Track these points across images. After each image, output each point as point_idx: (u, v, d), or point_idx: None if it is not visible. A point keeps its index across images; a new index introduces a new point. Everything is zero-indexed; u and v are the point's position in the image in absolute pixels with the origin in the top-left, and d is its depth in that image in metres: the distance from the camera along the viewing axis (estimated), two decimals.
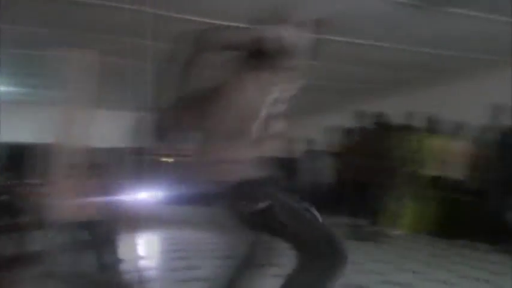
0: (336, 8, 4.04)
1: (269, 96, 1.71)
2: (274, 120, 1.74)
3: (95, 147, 9.15)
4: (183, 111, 1.85)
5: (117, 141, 10.69)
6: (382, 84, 7.46)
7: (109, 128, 10.72)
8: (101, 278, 3.24)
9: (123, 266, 3.40)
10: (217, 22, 4.60)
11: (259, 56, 1.69)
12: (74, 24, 4.81)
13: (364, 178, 5.34)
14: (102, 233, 3.65)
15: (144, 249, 4.33)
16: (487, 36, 4.80)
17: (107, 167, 6.31)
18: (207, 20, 4.53)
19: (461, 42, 5.07)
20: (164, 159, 11.62)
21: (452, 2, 3.97)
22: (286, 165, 6.14)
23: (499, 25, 4.41)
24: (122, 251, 3.47)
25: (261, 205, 1.63)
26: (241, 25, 2.42)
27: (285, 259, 1.75)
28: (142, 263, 3.74)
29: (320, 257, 1.65)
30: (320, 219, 1.75)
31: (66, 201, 4.59)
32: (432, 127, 5.93)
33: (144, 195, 6.29)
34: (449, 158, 5.56)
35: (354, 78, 7.06)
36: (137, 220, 5.88)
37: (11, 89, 8.34)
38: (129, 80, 7.68)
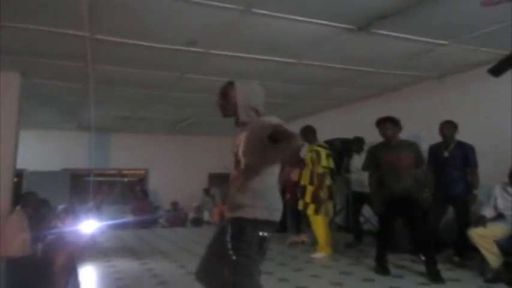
0: (278, 32, 4.33)
1: None
2: None
3: (28, 171, 8.59)
4: None
5: (49, 163, 10.19)
6: (318, 101, 7.76)
7: (41, 150, 10.19)
8: None
9: None
10: (153, 45, 4.55)
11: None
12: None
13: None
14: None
15: (87, 285, 4.01)
16: (411, 55, 5.15)
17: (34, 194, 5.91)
18: (137, 42, 4.43)
19: (392, 60, 5.40)
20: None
21: (381, 27, 4.20)
22: None
23: (423, 45, 4.76)
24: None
25: None
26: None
27: None
28: None
29: None
30: None
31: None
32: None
33: (85, 223, 5.94)
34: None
35: (294, 95, 7.22)
36: (78, 251, 5.54)
37: None
38: (59, 101, 7.39)
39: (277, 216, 2.27)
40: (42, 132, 10.07)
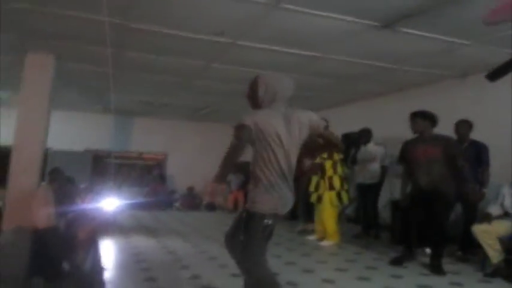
0: (304, 26, 4.47)
1: None
2: None
3: (53, 150, 8.94)
4: None
5: (73, 143, 10.58)
6: (340, 94, 7.87)
7: (66, 130, 10.57)
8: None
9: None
10: (183, 34, 4.75)
11: None
12: (31, 29, 4.79)
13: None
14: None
15: (106, 259, 4.30)
16: (434, 54, 5.23)
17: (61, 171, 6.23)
18: (165, 30, 4.64)
19: (414, 58, 5.47)
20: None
21: (406, 25, 4.29)
22: None
23: (446, 44, 4.84)
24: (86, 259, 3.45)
25: None
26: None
27: None
28: (105, 272, 3.72)
29: None
30: None
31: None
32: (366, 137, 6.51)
33: (105, 201, 6.23)
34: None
35: (317, 88, 7.35)
36: (99, 227, 5.85)
37: None
38: (87, 84, 7.69)
39: (282, 210, 2.52)
40: (67, 113, 10.41)
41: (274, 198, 2.45)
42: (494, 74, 1.12)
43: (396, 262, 4.58)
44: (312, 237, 6.02)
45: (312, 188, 5.86)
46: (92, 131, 10.91)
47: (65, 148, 10.14)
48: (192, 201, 10.95)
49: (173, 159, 12.11)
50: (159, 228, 6.90)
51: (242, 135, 2.43)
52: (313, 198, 5.84)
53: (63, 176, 6.01)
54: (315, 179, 5.78)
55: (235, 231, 2.61)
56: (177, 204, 10.80)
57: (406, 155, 4.73)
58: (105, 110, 10.52)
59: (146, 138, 11.65)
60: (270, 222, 2.46)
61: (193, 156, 11.84)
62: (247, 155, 2.60)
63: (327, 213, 5.78)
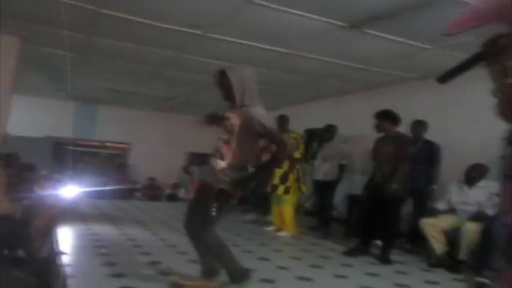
0: (277, 23, 4.62)
1: None
2: None
3: (12, 135, 8.72)
4: None
5: (34, 129, 10.33)
6: (307, 91, 8.07)
7: (27, 116, 10.31)
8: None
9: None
10: (157, 24, 4.78)
11: None
12: None
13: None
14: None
15: (65, 245, 4.31)
16: (398, 56, 5.48)
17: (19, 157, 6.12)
18: (137, 19, 4.66)
19: (379, 59, 5.72)
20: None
21: (373, 27, 4.51)
22: None
23: (409, 47, 5.10)
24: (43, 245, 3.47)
25: None
26: None
27: None
28: (64, 258, 3.74)
29: None
30: None
31: None
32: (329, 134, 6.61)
33: (65, 189, 6.17)
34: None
35: (285, 84, 7.53)
36: (57, 214, 5.80)
37: None
38: (52, 69, 7.56)
39: (247, 191, 2.82)
40: (29, 99, 10.16)
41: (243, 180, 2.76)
42: (445, 77, 1.27)
43: (350, 253, 4.81)
44: (269, 228, 6.19)
45: (276, 180, 5.99)
46: (54, 117, 10.70)
47: (26, 134, 9.90)
48: (154, 191, 10.94)
49: (137, 149, 12.03)
50: (120, 217, 6.90)
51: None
52: (280, 190, 5.96)
53: (19, 162, 5.91)
54: (279, 172, 5.90)
55: (200, 203, 2.89)
56: (138, 194, 10.76)
57: (374, 152, 5.00)
58: (69, 97, 10.33)
59: (111, 127, 11.52)
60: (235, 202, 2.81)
61: (157, 147, 11.81)
62: (205, 147, 2.87)
63: (286, 205, 5.98)
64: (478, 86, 5.05)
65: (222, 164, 2.80)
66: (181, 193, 10.94)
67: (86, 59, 6.57)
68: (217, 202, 2.75)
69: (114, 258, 3.89)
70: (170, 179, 11.42)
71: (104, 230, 5.46)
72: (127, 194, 10.36)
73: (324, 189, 6.48)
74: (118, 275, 3.32)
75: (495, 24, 1.29)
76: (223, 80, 2.83)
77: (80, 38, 5.47)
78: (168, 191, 11.17)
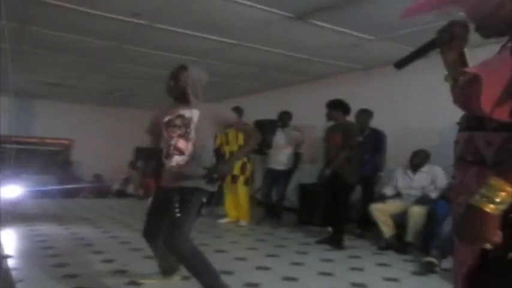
0: (223, 12, 4.53)
1: None
2: None
3: None
4: None
5: None
6: (254, 82, 8.11)
7: None
8: None
9: None
10: (96, 12, 4.58)
11: None
12: None
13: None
14: None
15: (9, 248, 4.08)
16: (342, 47, 5.57)
17: None
18: (77, 7, 4.47)
19: (325, 50, 5.79)
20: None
21: (318, 18, 4.55)
22: None
23: (353, 38, 5.20)
24: None
25: None
26: None
27: None
28: (9, 260, 3.55)
29: None
30: None
31: None
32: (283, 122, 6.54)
33: (3, 189, 5.84)
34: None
35: (232, 76, 7.50)
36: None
37: None
38: None
39: (215, 187, 2.84)
40: None
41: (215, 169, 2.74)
42: (401, 63, 1.32)
43: (322, 242, 4.89)
44: (223, 221, 6.19)
45: (237, 171, 5.95)
46: None
47: None
48: (100, 188, 10.60)
49: (80, 145, 11.54)
50: (66, 216, 6.63)
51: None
52: (241, 181, 6.00)
53: None
54: (239, 163, 5.87)
55: (163, 210, 2.73)
56: (83, 191, 10.37)
57: (325, 140, 5.17)
58: (1, 91, 9.70)
59: (50, 122, 10.97)
60: (205, 200, 2.72)
61: (101, 142, 11.40)
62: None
63: (243, 195, 6.07)
64: (418, 76, 5.39)
65: (185, 158, 2.73)
66: (130, 189, 10.67)
67: (20, 50, 6.17)
68: (184, 202, 2.62)
69: (65, 259, 3.74)
70: (118, 175, 11.08)
71: (50, 230, 5.22)
72: (72, 192, 9.96)
73: (279, 178, 6.39)
74: (71, 276, 3.20)
75: (451, 8, 1.34)
76: (181, 75, 2.76)
77: (13, 27, 5.14)
78: (116, 187, 10.85)
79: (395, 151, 5.63)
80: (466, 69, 1.20)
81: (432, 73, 5.10)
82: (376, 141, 5.57)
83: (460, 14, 1.29)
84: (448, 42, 1.33)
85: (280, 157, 6.30)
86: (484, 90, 1.00)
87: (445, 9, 1.31)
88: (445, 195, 4.59)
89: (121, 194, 10.41)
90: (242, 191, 6.06)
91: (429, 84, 5.58)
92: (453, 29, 1.32)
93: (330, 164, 4.79)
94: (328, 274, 3.58)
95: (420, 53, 1.43)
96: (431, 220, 4.45)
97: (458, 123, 1.32)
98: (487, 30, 1.23)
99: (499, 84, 1.00)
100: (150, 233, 2.89)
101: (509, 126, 1.02)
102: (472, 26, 1.31)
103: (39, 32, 5.37)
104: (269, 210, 6.60)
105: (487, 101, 1.00)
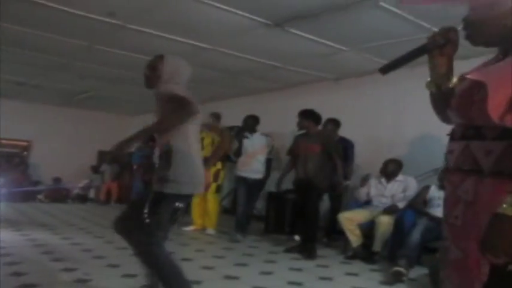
0: (198, 16, 4.49)
1: None
2: None
3: None
4: None
5: None
6: (225, 88, 8.06)
7: None
8: None
9: None
10: (69, 10, 4.42)
11: None
12: None
13: None
14: None
15: None
16: (315, 56, 5.62)
17: None
18: (47, 3, 4.30)
19: (298, 58, 5.83)
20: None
21: (295, 26, 4.57)
22: None
23: (327, 48, 5.24)
24: None
25: None
26: None
27: None
28: None
29: None
30: None
31: None
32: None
33: None
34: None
35: (203, 81, 7.40)
36: None
37: None
38: None
39: (199, 189, 2.49)
40: None
41: (193, 177, 2.41)
42: (387, 68, 1.30)
43: (290, 251, 4.87)
44: (188, 228, 6.06)
45: (210, 178, 5.78)
46: None
47: None
48: (58, 192, 10.20)
49: (39, 147, 11.09)
50: (23, 221, 6.31)
51: (195, 110, 2.38)
52: (213, 188, 5.90)
53: None
54: (212, 169, 5.77)
55: (133, 213, 2.43)
56: (40, 195, 9.95)
57: (293, 148, 5.17)
58: None
59: (7, 122, 10.46)
60: (181, 205, 2.40)
61: (62, 145, 11.01)
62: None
63: (213, 203, 5.97)
64: (388, 88, 5.50)
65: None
66: (91, 193, 10.35)
67: None
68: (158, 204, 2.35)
69: (23, 267, 3.53)
70: (78, 178, 10.70)
71: (6, 237, 4.93)
72: (28, 196, 9.54)
73: (251, 187, 5.87)
74: (30, 286, 3.01)
75: (451, 2, 1.33)
76: (158, 63, 2.58)
77: None
78: (76, 191, 10.47)
79: (364, 160, 5.71)
80: (468, 76, 1.18)
81: (402, 85, 5.31)
82: (344, 150, 5.61)
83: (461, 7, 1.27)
84: (441, 47, 1.32)
85: (256, 165, 5.84)
86: (490, 97, 0.99)
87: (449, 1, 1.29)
88: (413, 205, 4.67)
89: (82, 198, 10.07)
90: (212, 199, 5.94)
91: (399, 96, 5.72)
92: (448, 34, 1.31)
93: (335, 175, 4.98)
94: (298, 284, 3.54)
95: (408, 58, 1.40)
96: (399, 229, 4.50)
97: (448, 135, 1.32)
98: (481, 36, 1.23)
99: (508, 92, 0.98)
100: (120, 225, 2.53)
101: (511, 135, 1.01)
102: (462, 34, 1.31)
103: (10, 28, 5.12)
104: (237, 218, 6.45)
105: (494, 108, 0.99)
